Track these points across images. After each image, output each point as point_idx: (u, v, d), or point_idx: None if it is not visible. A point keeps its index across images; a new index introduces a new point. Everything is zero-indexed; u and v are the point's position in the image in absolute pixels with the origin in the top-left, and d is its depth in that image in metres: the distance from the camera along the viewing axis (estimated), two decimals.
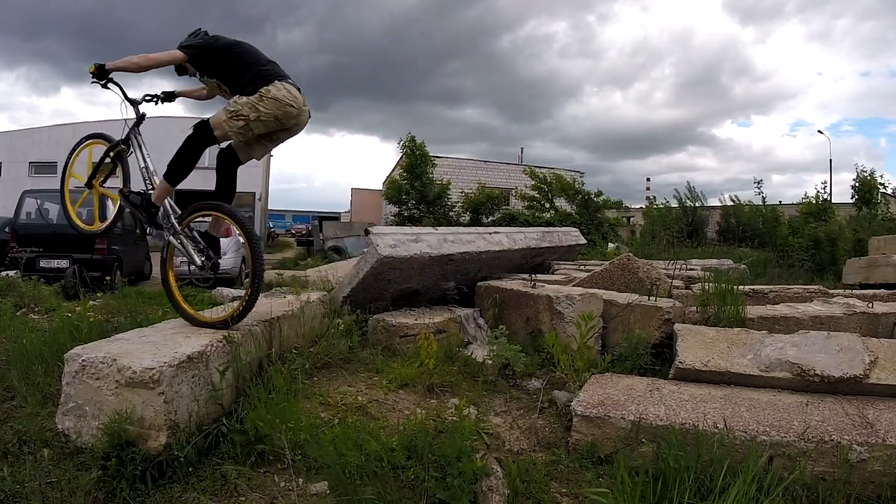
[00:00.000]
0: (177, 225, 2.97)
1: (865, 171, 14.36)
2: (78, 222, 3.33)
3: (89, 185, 3.26)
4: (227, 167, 3.04)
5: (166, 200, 3.02)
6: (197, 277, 3.32)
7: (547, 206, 20.01)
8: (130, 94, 3.10)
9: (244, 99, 2.81)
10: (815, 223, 12.42)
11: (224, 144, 3.02)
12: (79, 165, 3.36)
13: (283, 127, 2.95)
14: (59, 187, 3.38)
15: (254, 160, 3.15)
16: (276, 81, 2.84)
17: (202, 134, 2.86)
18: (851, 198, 14.24)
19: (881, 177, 14.40)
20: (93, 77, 2.89)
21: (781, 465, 2.11)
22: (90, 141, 3.32)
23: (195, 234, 3.04)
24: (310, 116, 3.04)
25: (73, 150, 3.36)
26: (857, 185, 14.29)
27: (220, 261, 3.10)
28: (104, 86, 2.95)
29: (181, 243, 2.97)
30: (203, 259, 2.99)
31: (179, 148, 2.92)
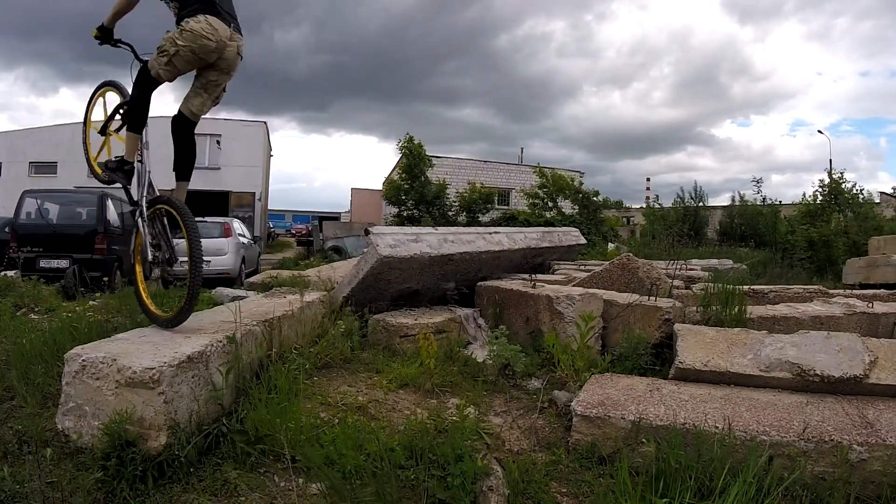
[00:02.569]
0: (145, 206, 2.90)
1: (835, 173, 14.33)
2: (100, 171, 3.27)
3: (103, 132, 3.26)
4: (180, 130, 3.03)
5: (147, 176, 2.97)
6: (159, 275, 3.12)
7: (550, 205, 20.09)
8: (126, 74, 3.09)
9: (168, 34, 2.82)
10: (809, 224, 12.38)
11: (176, 111, 3.03)
12: (97, 111, 3.37)
13: (206, 62, 2.87)
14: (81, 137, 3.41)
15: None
16: (199, 14, 2.78)
17: (141, 76, 2.89)
18: (828, 200, 14.17)
19: (843, 177, 14.34)
20: (99, 40, 2.92)
21: (781, 465, 2.11)
22: (104, 88, 3.32)
23: (159, 227, 2.92)
24: (240, 54, 2.93)
25: (91, 98, 3.35)
26: (825, 189, 14.25)
27: (177, 259, 2.96)
28: (115, 45, 2.96)
29: (142, 226, 2.89)
30: (154, 253, 2.89)
31: (130, 95, 2.97)
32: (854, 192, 13.88)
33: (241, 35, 2.93)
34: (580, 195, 19.10)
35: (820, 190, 14.12)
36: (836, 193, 13.82)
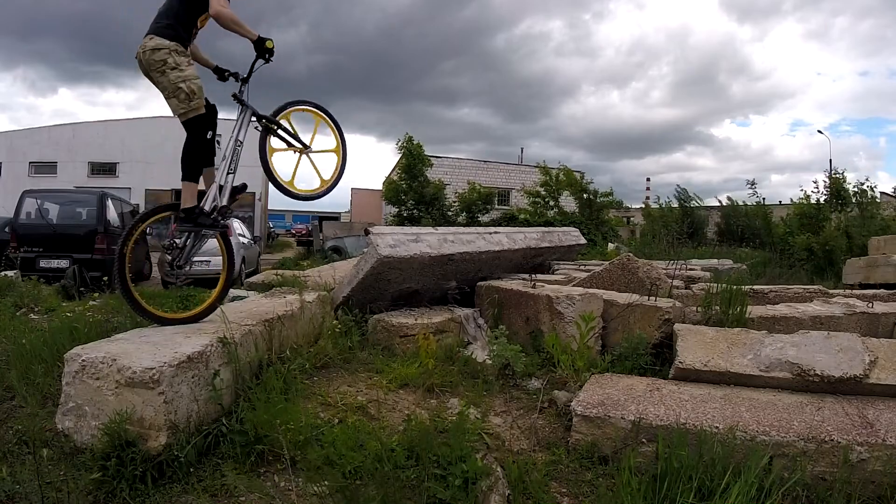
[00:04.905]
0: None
1: (838, 174, 14.36)
2: (287, 184, 3.41)
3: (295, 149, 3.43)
4: None
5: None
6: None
7: (551, 203, 20.08)
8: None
9: None
10: (809, 233, 12.36)
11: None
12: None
13: (149, 76, 2.97)
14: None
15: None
16: None
17: None
18: (827, 200, 14.15)
19: (844, 175, 14.36)
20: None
21: (782, 466, 2.11)
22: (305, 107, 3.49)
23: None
24: (143, 56, 2.90)
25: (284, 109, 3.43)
26: (827, 189, 14.26)
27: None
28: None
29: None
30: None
31: None
32: (863, 187, 13.85)
33: (151, 35, 2.90)
34: (584, 193, 19.07)
35: (820, 190, 14.12)
36: (838, 190, 13.78)
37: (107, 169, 27.62)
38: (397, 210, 21.11)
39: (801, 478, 2.05)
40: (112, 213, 9.45)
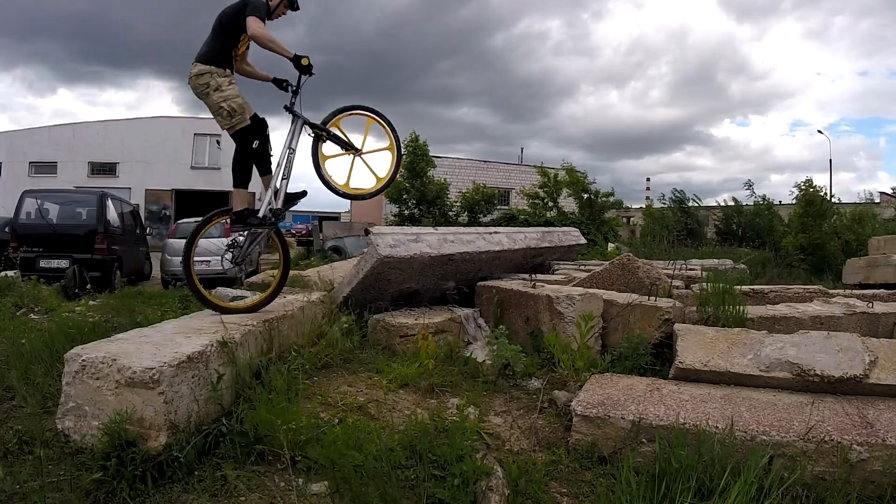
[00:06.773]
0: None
1: (809, 184, 14.35)
2: (342, 187, 3.55)
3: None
4: None
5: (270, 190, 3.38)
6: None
7: (551, 204, 20.06)
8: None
9: None
10: (799, 231, 12.32)
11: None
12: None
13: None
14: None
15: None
16: None
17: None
18: (799, 203, 14.07)
19: (813, 183, 14.38)
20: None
21: (781, 465, 2.11)
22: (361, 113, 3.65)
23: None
24: (190, 83, 3.22)
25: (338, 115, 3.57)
26: (801, 194, 14.23)
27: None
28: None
29: None
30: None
31: None
32: (826, 199, 13.79)
33: (194, 62, 3.20)
34: (585, 193, 19.06)
35: (798, 195, 14.15)
36: (811, 200, 13.80)
37: (107, 169, 27.59)
38: (398, 209, 21.11)
39: (801, 477, 2.04)
40: (112, 213, 9.46)
